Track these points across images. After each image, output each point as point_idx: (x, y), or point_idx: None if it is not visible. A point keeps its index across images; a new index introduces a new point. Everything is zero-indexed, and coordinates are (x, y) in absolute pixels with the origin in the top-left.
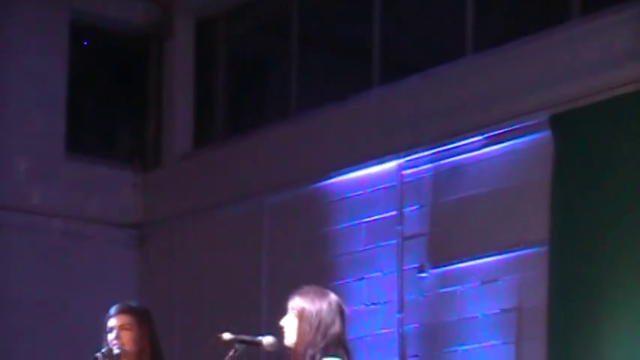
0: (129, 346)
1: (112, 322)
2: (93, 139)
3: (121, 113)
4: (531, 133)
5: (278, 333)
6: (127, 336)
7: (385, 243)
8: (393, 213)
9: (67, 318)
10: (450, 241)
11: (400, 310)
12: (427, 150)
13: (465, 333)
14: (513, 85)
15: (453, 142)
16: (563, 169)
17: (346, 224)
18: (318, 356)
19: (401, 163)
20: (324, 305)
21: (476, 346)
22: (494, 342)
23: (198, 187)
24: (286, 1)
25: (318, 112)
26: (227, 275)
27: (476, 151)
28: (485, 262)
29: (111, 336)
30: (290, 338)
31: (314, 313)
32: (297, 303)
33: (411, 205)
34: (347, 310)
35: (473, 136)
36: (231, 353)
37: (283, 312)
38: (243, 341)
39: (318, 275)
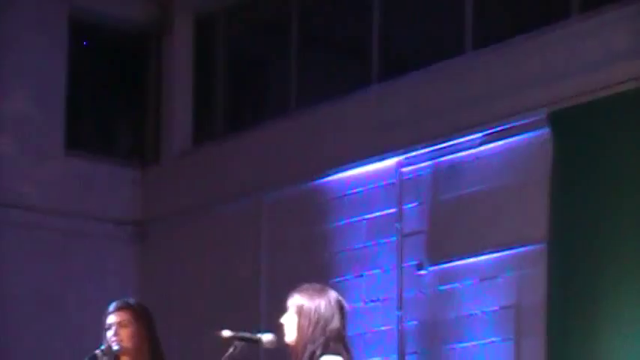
0: (127, 343)
1: (111, 319)
2: (92, 136)
3: (120, 110)
4: (530, 130)
5: (277, 330)
6: (125, 333)
7: (384, 240)
8: (392, 210)
9: (67, 315)
10: (450, 239)
11: (399, 308)
12: (426, 147)
13: (464, 330)
14: (512, 82)
15: (452, 140)
16: (562, 166)
17: (345, 221)
18: (318, 352)
19: (400, 160)
20: (323, 301)
21: (475, 343)
22: (493, 339)
23: (197, 184)
24: None
25: (318, 110)
26: (226, 272)
27: (475, 148)
28: (485, 260)
29: (109, 333)
30: (290, 335)
31: (313, 310)
32: (296, 300)
33: (410, 203)
34: (347, 306)
35: (472, 134)
36: (230, 350)
37: (282, 309)
38: (242, 338)
39: (318, 272)
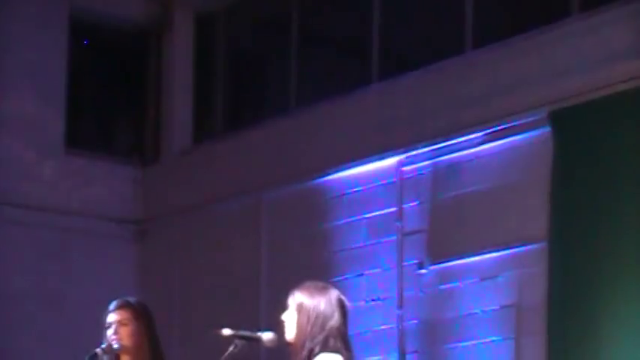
0: (127, 341)
1: (111, 318)
2: (92, 135)
3: (120, 109)
4: (531, 129)
5: (277, 328)
6: (125, 331)
7: (385, 239)
8: (393, 209)
9: (67, 313)
10: (450, 238)
11: (400, 306)
12: (427, 146)
13: (464, 329)
14: (513, 81)
15: (452, 139)
16: (563, 165)
17: (345, 220)
18: (316, 349)
19: (400, 159)
20: (323, 299)
21: (475, 342)
22: (493, 338)
23: (197, 183)
24: None
25: (318, 109)
26: (226, 270)
27: (475, 147)
28: (485, 259)
29: (109, 331)
30: (290, 333)
31: (312, 307)
32: (296, 297)
33: (411, 202)
34: (348, 305)
35: (472, 133)
36: (230, 349)
37: (282, 307)
38: (242, 337)
39: (318, 271)
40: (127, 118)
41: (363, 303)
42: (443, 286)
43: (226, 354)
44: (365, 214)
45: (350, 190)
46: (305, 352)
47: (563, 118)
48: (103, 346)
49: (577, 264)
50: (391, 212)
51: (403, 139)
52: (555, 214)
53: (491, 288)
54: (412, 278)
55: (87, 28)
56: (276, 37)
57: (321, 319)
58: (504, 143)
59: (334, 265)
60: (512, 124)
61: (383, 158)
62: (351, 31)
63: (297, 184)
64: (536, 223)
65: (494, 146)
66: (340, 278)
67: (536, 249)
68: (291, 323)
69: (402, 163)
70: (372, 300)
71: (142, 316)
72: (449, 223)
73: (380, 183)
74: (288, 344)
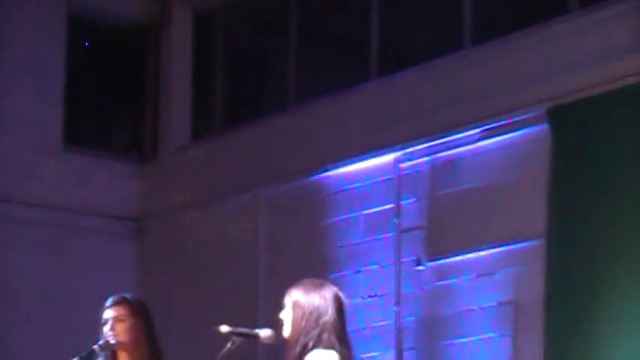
0: (123, 337)
1: (107, 314)
2: (91, 131)
3: (119, 105)
4: (529, 126)
5: (276, 326)
6: (121, 327)
7: (382, 236)
8: (391, 206)
9: (65, 310)
10: (448, 234)
11: (397, 303)
12: (425, 143)
13: (462, 326)
14: (511, 77)
15: (450, 135)
16: (561, 162)
17: (343, 217)
18: (310, 345)
19: (398, 155)
20: (318, 295)
21: (473, 338)
22: (491, 335)
23: (196, 179)
24: None
25: (316, 105)
26: (224, 267)
27: (473, 144)
28: (483, 255)
29: (106, 328)
30: (286, 330)
31: (306, 303)
32: (292, 294)
33: (408, 198)
34: (346, 301)
35: (471, 129)
36: (228, 346)
37: (280, 304)
38: (240, 334)
39: (316, 267)
40: (125, 115)
41: (360, 299)
42: (440, 283)
43: (224, 351)
44: (363, 210)
45: (348, 187)
46: (299, 348)
47: (561, 114)
48: (100, 342)
49: (575, 261)
50: (389, 209)
51: (401, 135)
52: (553, 211)
53: (489, 285)
54: (410, 275)
55: (85, 25)
56: (275, 35)
57: (315, 315)
58: (502, 140)
59: (332, 261)
60: (511, 120)
61: (381, 155)
62: (349, 27)
63: (295, 180)
64: (534, 220)
65: (493, 143)
66: (338, 274)
67: (533, 246)
68: (287, 320)
69: (399, 160)
70: (370, 296)
71: (138, 312)
72: (446, 220)
73: (378, 179)
74: (286, 341)
